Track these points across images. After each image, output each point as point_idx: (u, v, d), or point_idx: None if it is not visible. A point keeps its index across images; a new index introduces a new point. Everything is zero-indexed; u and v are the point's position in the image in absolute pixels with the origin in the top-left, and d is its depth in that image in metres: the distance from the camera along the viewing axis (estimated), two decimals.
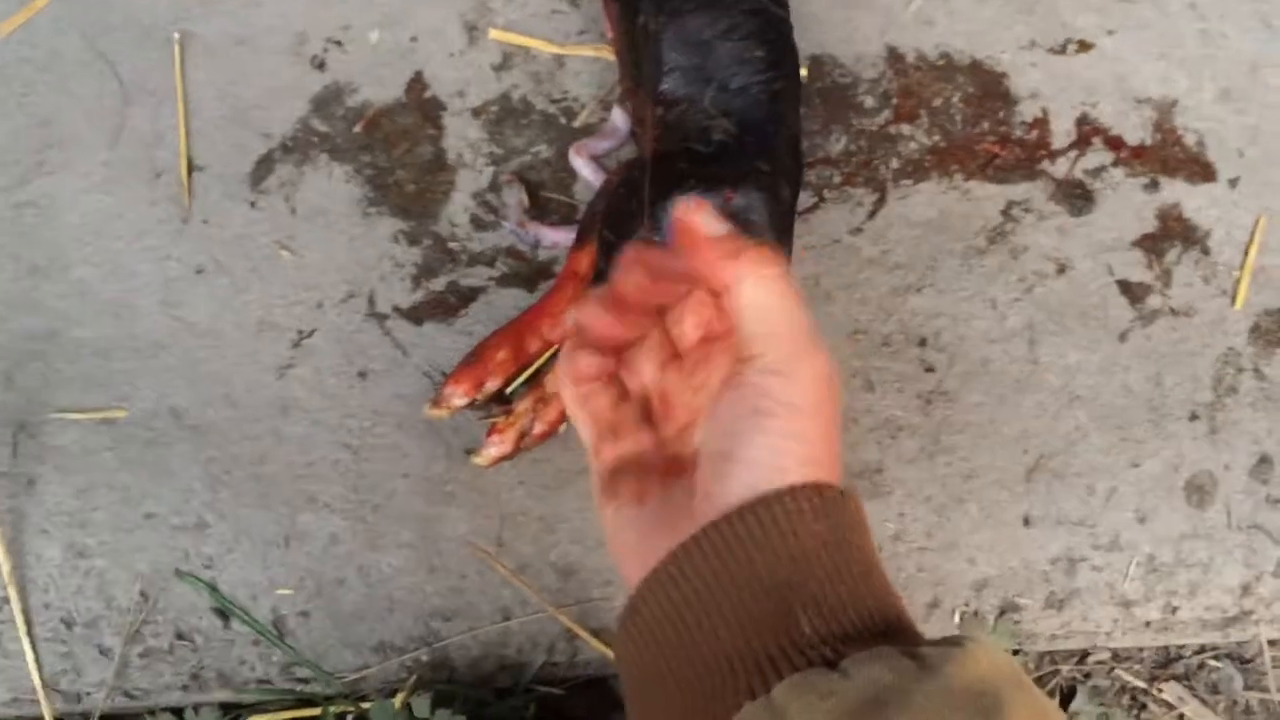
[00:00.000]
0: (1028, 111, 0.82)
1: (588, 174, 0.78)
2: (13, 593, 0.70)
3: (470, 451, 0.72)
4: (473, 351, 0.72)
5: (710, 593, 0.40)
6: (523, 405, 0.71)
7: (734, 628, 0.39)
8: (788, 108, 0.73)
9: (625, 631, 0.42)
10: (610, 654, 0.73)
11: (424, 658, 0.72)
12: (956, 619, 0.75)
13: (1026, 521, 0.76)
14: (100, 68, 0.77)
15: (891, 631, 0.40)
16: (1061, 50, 0.83)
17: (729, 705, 0.38)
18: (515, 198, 0.78)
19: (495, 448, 0.70)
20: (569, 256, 0.74)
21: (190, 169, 0.77)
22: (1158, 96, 0.83)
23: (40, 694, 0.70)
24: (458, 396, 0.71)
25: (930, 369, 0.78)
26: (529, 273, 0.77)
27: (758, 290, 0.42)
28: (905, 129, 0.81)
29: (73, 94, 0.77)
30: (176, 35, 0.78)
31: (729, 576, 0.40)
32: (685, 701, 0.40)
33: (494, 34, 0.80)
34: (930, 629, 0.76)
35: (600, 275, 0.71)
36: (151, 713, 0.72)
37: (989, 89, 0.83)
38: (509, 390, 0.73)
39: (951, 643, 0.38)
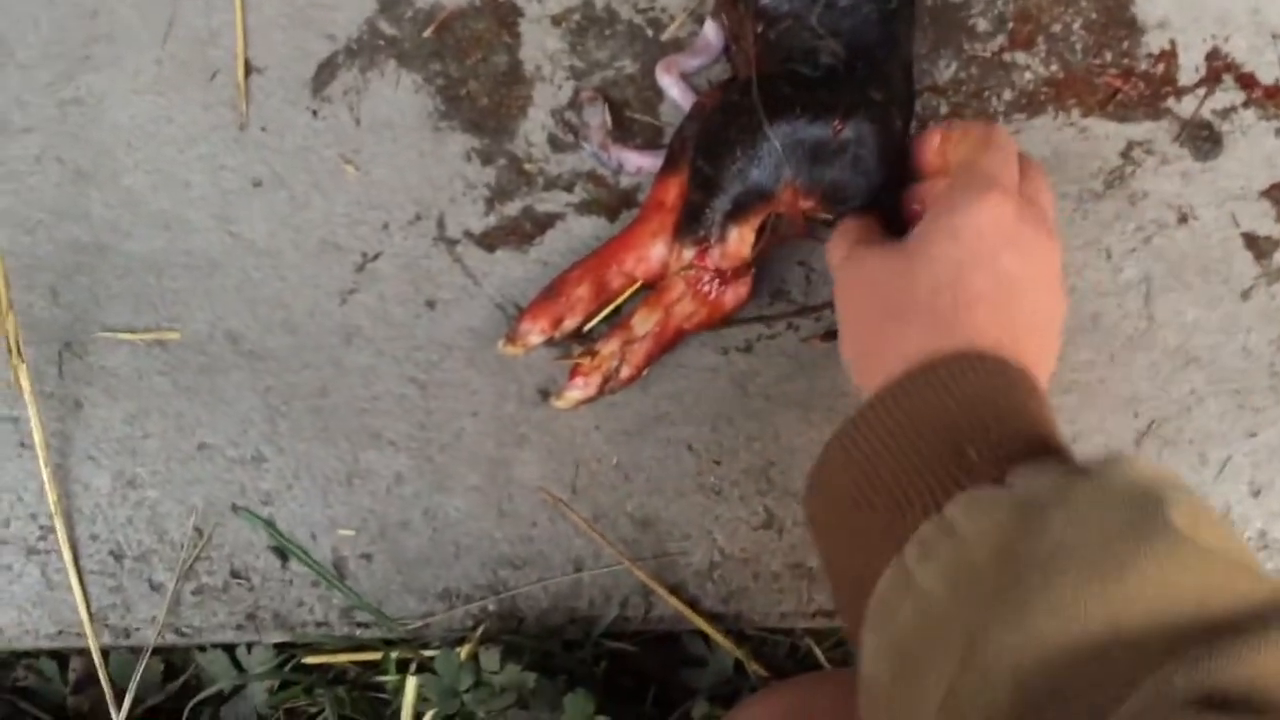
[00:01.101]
0: (1154, 43, 0.75)
1: (675, 94, 0.71)
2: (59, 522, 0.66)
3: (547, 393, 0.67)
4: (550, 285, 0.67)
5: (885, 444, 0.45)
6: (609, 347, 0.65)
7: (909, 467, 0.44)
8: (902, 30, 0.66)
9: (814, 482, 0.49)
10: (687, 611, 0.69)
11: (490, 607, 0.68)
12: None
13: None
14: None
15: (1055, 453, 0.43)
16: None
17: (908, 527, 0.41)
18: (597, 117, 0.71)
19: (578, 390, 0.65)
20: (655, 184, 0.68)
21: (247, 71, 0.70)
22: None
23: (87, 627, 0.66)
24: (534, 334, 0.65)
25: None
26: (611, 200, 0.71)
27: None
28: (1020, 57, 0.74)
29: None
30: None
31: (901, 426, 0.45)
32: (869, 534, 0.44)
33: None
34: None
35: (692, 208, 0.64)
36: (203, 649, 0.68)
37: (1113, 15, 0.75)
38: (588, 328, 0.67)
39: (1114, 457, 0.40)
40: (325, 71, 0.71)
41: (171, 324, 0.68)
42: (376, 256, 0.69)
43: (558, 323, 0.66)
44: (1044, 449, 0.43)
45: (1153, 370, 0.72)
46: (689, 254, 0.64)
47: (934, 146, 0.60)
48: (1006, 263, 0.51)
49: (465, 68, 0.72)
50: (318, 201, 0.69)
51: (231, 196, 0.69)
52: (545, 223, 0.71)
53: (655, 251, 0.66)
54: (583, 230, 0.71)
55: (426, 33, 0.72)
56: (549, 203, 0.71)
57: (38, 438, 0.65)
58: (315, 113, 0.70)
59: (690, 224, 0.64)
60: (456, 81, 0.71)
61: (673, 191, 0.66)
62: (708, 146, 0.65)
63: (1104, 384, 0.72)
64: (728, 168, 0.63)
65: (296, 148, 0.70)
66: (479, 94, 0.72)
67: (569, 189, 0.71)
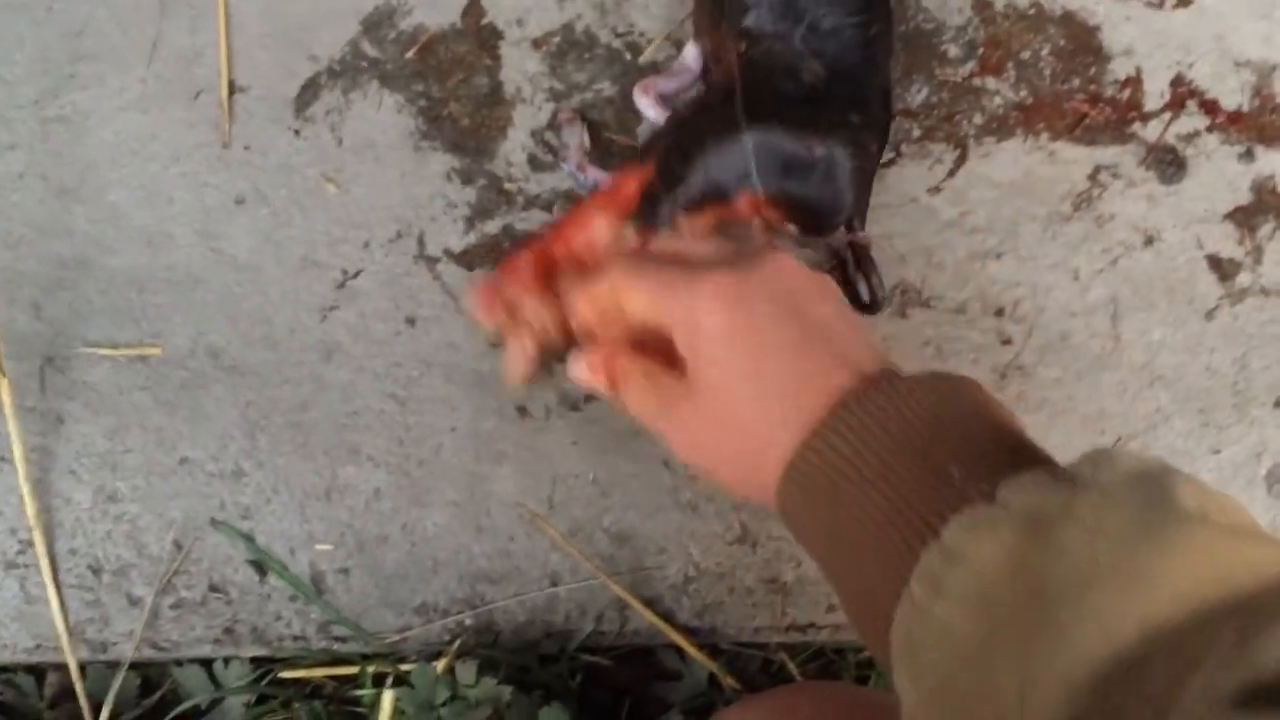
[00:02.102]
0: (1120, 69, 0.76)
1: (652, 115, 0.72)
2: (38, 536, 0.66)
3: (525, 410, 0.67)
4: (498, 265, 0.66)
5: (854, 468, 0.41)
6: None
7: (887, 493, 0.40)
8: (882, 56, 0.67)
9: (785, 511, 0.45)
10: (663, 625, 0.69)
11: (467, 621, 0.68)
12: None
13: None
14: None
15: (1038, 461, 0.41)
16: (1159, 4, 0.77)
17: (905, 561, 0.38)
18: (575, 138, 0.72)
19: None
20: (618, 176, 0.66)
21: (231, 90, 0.70)
22: (1258, 59, 0.77)
23: (65, 642, 0.66)
24: (481, 312, 0.64)
25: (1007, 341, 0.73)
26: None
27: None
28: (991, 82, 0.75)
29: (106, 2, 0.70)
30: None
31: (862, 452, 0.41)
32: (865, 564, 0.41)
33: None
34: None
35: (650, 197, 0.63)
36: (179, 664, 0.68)
37: (1081, 43, 0.76)
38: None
39: (1097, 455, 0.38)
40: (308, 91, 0.71)
41: (153, 339, 0.68)
42: (357, 274, 0.70)
43: (506, 304, 0.61)
44: (1026, 454, 0.41)
45: (1120, 389, 0.73)
46: (631, 238, 0.61)
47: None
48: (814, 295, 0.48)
49: (447, 89, 0.72)
50: (299, 219, 0.70)
51: (214, 213, 0.69)
52: (524, 241, 0.71)
53: (600, 233, 0.64)
54: None
55: (409, 54, 0.72)
56: (528, 222, 0.71)
57: (18, 452, 0.65)
58: (298, 132, 0.71)
59: (644, 209, 0.62)
60: (438, 102, 0.72)
61: (633, 183, 0.65)
62: (679, 142, 0.65)
63: (1071, 401, 0.72)
64: (694, 162, 0.63)
65: (279, 166, 0.70)
66: (460, 115, 0.72)
67: (548, 208, 0.72)
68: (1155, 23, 0.76)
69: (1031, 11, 0.76)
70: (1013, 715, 0.34)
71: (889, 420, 0.42)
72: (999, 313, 0.73)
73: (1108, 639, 0.32)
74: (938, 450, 0.41)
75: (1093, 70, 0.76)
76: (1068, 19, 0.76)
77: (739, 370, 0.45)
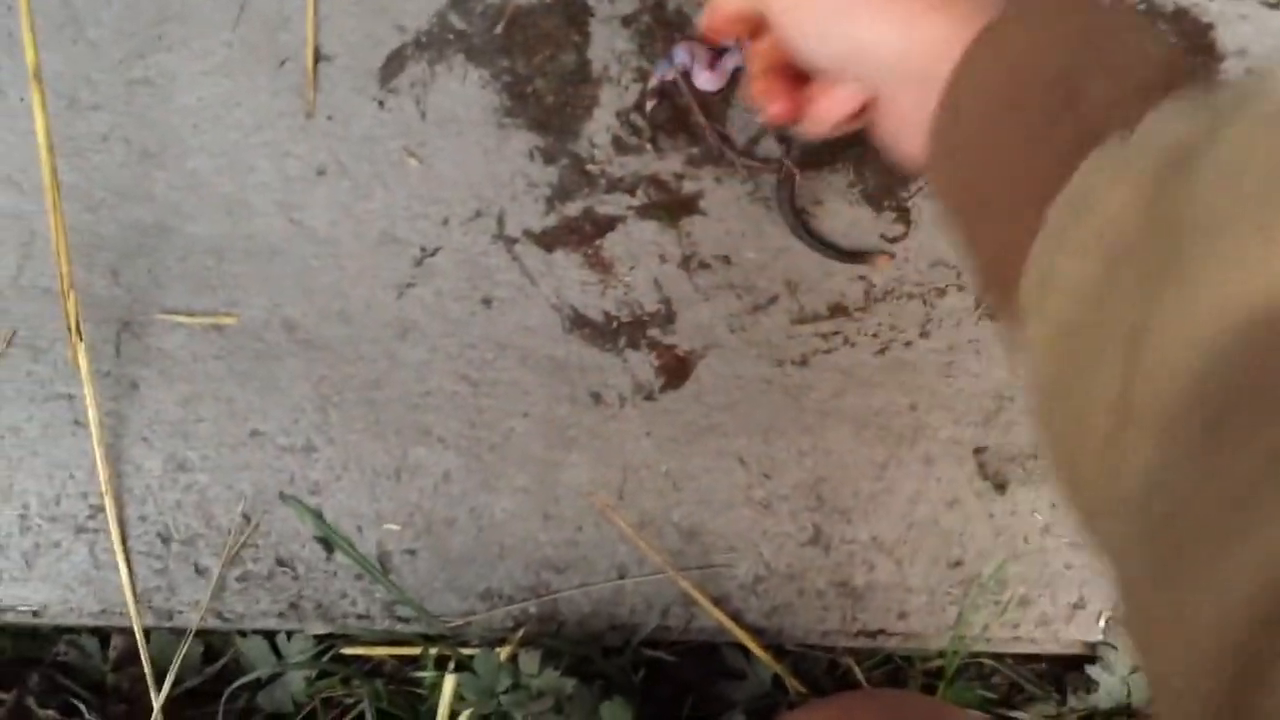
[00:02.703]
0: (1234, 69, 0.72)
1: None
2: (109, 501, 0.65)
3: (599, 396, 0.65)
4: None
5: (991, 113, 0.38)
6: None
7: (1024, 131, 0.36)
8: None
9: (932, 175, 0.42)
10: (729, 623, 0.68)
11: (532, 609, 0.67)
12: (1101, 622, 0.68)
13: None
14: None
15: (1195, 78, 0.35)
16: (1276, 4, 0.73)
17: (1038, 207, 0.34)
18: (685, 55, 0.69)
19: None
20: None
21: (316, 58, 0.69)
22: None
23: (131, 608, 0.65)
24: None
25: None
26: (672, 204, 0.70)
27: None
28: None
29: None
30: None
31: (1004, 88, 0.38)
32: (997, 213, 0.38)
33: None
34: (1071, 632, 0.70)
35: None
36: (243, 634, 0.67)
37: (1193, 41, 0.73)
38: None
39: (1267, 71, 0.32)
40: (394, 62, 0.69)
41: (229, 309, 0.67)
42: (435, 251, 0.68)
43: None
44: (1172, 66, 0.36)
45: None
46: None
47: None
48: None
49: (532, 65, 0.70)
50: (380, 193, 0.68)
51: (295, 184, 0.68)
52: (606, 225, 0.69)
53: None
54: (642, 234, 0.69)
55: (497, 28, 0.70)
56: (610, 205, 0.69)
57: (92, 416, 0.64)
58: (381, 103, 0.69)
59: None
60: (523, 79, 0.70)
61: None
62: None
63: None
64: None
65: (361, 137, 0.68)
66: (545, 92, 0.70)
67: (631, 192, 0.70)
68: (1272, 22, 0.72)
69: (1142, 6, 0.72)
70: (1119, 366, 0.30)
71: (1027, 48, 0.38)
72: None
73: (1242, 288, 0.27)
74: (1079, 73, 0.36)
75: (1205, 71, 0.72)
76: (1180, 15, 0.72)
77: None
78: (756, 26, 0.53)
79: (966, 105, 0.39)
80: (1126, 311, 0.30)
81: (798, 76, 0.53)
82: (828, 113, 0.52)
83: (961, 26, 0.40)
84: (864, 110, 0.51)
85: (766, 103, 0.52)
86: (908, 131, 0.45)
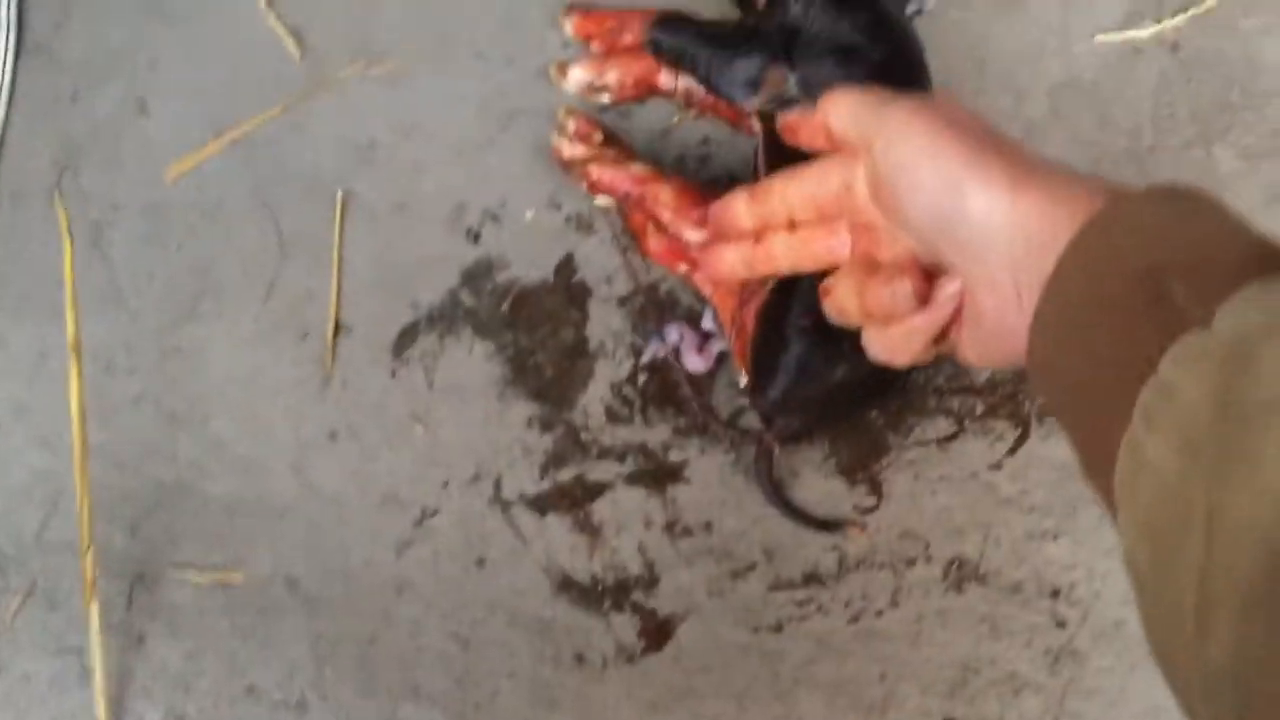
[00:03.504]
0: None
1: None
2: None
3: (583, 658, 0.68)
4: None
5: (1088, 309, 0.39)
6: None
7: (1115, 328, 0.38)
8: None
9: (1032, 369, 0.43)
10: None
11: None
12: None
13: None
14: (262, 218, 0.76)
15: (1271, 266, 0.36)
16: None
17: (1129, 399, 0.36)
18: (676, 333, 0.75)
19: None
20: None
21: (336, 331, 0.75)
22: None
23: None
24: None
25: (1061, 624, 0.73)
26: (658, 472, 0.74)
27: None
28: None
29: (233, 243, 0.76)
30: (340, 194, 0.77)
31: (1098, 287, 0.39)
32: (1099, 404, 0.38)
33: None
34: None
35: None
36: None
37: None
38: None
39: None
40: (407, 335, 0.75)
41: (237, 565, 0.71)
42: (435, 513, 0.72)
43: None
44: (1257, 254, 0.37)
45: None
46: None
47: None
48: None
49: (534, 339, 0.76)
50: (386, 456, 0.73)
51: (308, 447, 0.73)
52: (595, 491, 0.74)
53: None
54: (630, 500, 0.73)
55: (503, 306, 0.76)
56: (600, 471, 0.74)
57: (98, 672, 0.67)
58: (393, 373, 0.74)
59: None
60: (525, 352, 0.76)
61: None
62: None
63: (1124, 693, 0.72)
64: None
65: (373, 404, 0.74)
66: (545, 365, 0.76)
67: (620, 459, 0.74)
68: None
69: None
70: (1199, 548, 0.31)
71: (1120, 247, 0.39)
72: (1054, 594, 0.73)
73: None
74: (1164, 271, 0.37)
75: None
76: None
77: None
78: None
79: (1064, 301, 0.41)
80: (1202, 496, 0.32)
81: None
82: (945, 307, 0.49)
83: (1063, 211, 0.42)
84: (944, 334, 0.50)
85: (900, 285, 0.49)
86: (1006, 315, 0.45)
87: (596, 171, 0.71)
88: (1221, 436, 0.32)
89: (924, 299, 0.49)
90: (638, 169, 0.71)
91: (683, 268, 0.72)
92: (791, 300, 0.64)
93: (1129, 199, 0.41)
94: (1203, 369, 0.33)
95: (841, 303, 0.52)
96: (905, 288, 0.49)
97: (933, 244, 0.48)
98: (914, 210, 0.47)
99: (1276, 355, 0.31)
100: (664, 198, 0.69)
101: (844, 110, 0.50)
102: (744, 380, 0.68)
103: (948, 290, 0.49)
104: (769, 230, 0.54)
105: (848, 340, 0.60)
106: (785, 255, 0.53)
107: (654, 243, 0.71)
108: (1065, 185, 0.43)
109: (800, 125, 0.53)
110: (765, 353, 0.66)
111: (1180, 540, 0.33)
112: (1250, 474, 0.30)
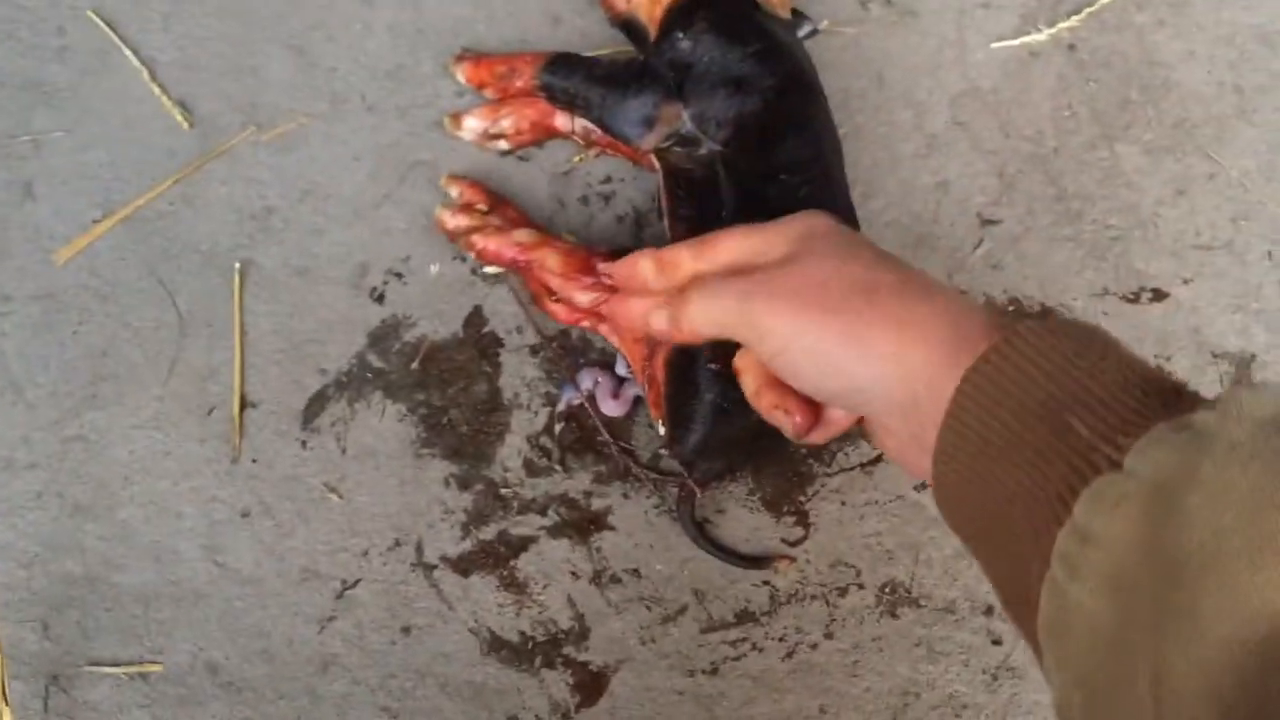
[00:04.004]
0: None
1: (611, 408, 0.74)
2: None
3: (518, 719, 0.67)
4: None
5: (989, 445, 0.40)
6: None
7: (1020, 464, 0.38)
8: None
9: (939, 501, 0.44)
10: None
11: None
12: None
13: None
14: (159, 297, 0.75)
15: (1170, 402, 0.37)
16: (1135, 299, 0.79)
17: (1044, 541, 0.36)
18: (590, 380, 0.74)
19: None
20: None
21: (242, 406, 0.73)
22: (1234, 350, 0.78)
23: None
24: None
25: (997, 641, 0.73)
26: (582, 522, 0.73)
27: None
28: None
29: (130, 325, 0.74)
30: (238, 264, 0.75)
31: (996, 423, 0.40)
32: (1010, 542, 0.39)
33: (566, 237, 0.77)
34: None
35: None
36: None
37: None
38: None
39: (1228, 397, 0.34)
40: (315, 404, 0.74)
41: (155, 656, 0.69)
42: (355, 583, 0.71)
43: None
44: (1154, 390, 0.38)
45: None
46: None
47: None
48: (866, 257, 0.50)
49: (447, 397, 0.75)
50: (301, 530, 0.71)
51: (220, 527, 0.71)
52: (520, 546, 0.73)
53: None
54: (554, 553, 0.73)
55: (413, 365, 0.75)
56: (523, 526, 0.73)
57: None
58: (304, 443, 0.73)
59: None
60: (438, 410, 0.75)
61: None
62: None
63: None
64: None
65: (284, 477, 0.72)
66: (459, 422, 0.75)
67: (542, 512, 0.73)
68: (1132, 317, 0.78)
69: (1010, 309, 0.78)
70: (1148, 704, 0.31)
71: (1014, 384, 0.40)
72: (988, 611, 0.73)
73: (1242, 618, 0.29)
74: (1062, 406, 0.38)
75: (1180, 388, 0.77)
76: (1045, 315, 0.78)
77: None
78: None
79: (963, 441, 0.41)
80: (1146, 652, 0.32)
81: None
82: (842, 422, 0.53)
83: (949, 356, 0.43)
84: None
85: (784, 418, 0.52)
86: (907, 454, 0.47)
87: (481, 242, 0.70)
88: (1155, 588, 0.32)
89: (812, 425, 0.52)
90: (523, 236, 0.70)
91: (586, 323, 0.72)
92: (697, 349, 0.63)
93: (1019, 335, 0.41)
94: (1124, 515, 0.34)
95: (747, 390, 0.54)
96: (789, 423, 0.51)
97: (828, 402, 0.50)
98: (802, 385, 0.49)
99: (1201, 503, 0.31)
100: (550, 264, 0.68)
101: (708, 322, 0.51)
102: (662, 429, 0.68)
103: (836, 418, 0.52)
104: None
105: None
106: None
107: (551, 304, 0.70)
108: (952, 326, 0.44)
109: (676, 339, 0.55)
110: (679, 401, 0.66)
111: (1122, 693, 0.33)
112: (1193, 629, 0.30)
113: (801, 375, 0.49)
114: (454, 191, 0.74)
